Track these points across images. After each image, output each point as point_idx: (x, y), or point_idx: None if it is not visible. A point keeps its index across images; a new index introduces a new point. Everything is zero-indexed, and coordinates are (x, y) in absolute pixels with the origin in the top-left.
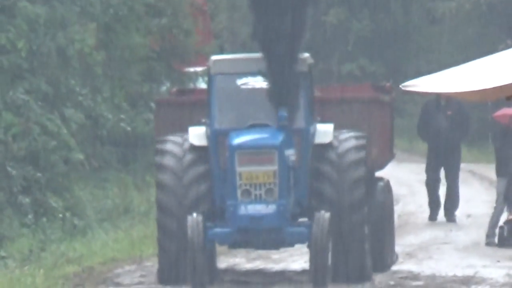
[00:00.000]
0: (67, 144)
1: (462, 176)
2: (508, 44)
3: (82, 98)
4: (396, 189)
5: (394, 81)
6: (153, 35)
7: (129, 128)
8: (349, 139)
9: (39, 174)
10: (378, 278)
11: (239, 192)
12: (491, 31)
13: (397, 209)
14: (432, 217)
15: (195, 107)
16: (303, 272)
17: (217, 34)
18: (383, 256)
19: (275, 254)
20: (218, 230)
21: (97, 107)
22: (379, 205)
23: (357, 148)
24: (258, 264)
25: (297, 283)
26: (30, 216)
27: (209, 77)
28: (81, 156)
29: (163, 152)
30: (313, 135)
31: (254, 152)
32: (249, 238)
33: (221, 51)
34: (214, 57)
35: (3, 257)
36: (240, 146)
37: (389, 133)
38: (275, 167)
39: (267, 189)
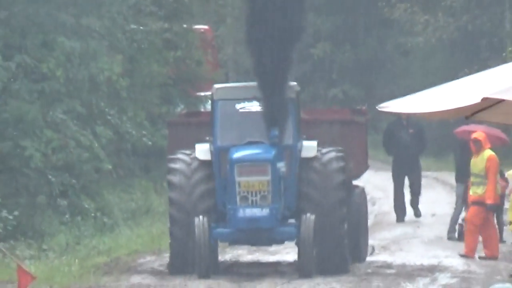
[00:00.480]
0: (98, 156)
1: (428, 182)
2: (466, 72)
3: (110, 117)
4: (373, 193)
5: (371, 103)
6: (169, 65)
7: (150, 142)
8: (330, 152)
9: (74, 181)
10: (357, 267)
11: (238, 198)
12: (452, 62)
13: (374, 209)
14: (399, 218)
15: (200, 127)
16: (293, 263)
17: (223, 64)
18: (359, 250)
19: (271, 247)
20: (220, 230)
21: (123, 124)
22: (356, 207)
23: (337, 158)
24: (257, 256)
25: (287, 274)
26: (67, 216)
27: (212, 102)
28: (109, 166)
29: (176, 158)
30: (300, 150)
31: (250, 164)
32: (246, 237)
33: (227, 79)
34: (217, 85)
35: (44, 250)
36: (239, 160)
37: (364, 148)
38: (268, 177)
39: (262, 195)
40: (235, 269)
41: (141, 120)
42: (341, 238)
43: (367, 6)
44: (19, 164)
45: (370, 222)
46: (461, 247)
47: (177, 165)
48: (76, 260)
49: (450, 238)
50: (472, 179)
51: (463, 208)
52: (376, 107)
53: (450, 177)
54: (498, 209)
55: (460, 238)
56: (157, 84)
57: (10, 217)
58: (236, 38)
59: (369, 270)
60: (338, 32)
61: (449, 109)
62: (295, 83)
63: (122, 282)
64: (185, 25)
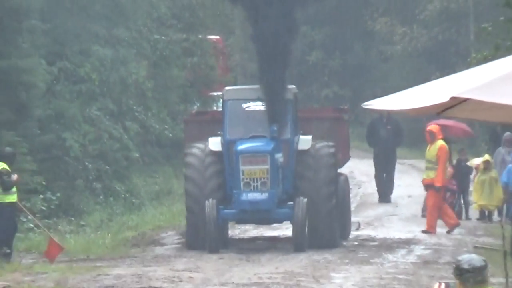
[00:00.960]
0: (127, 146)
1: (404, 168)
2: (437, 75)
3: (137, 114)
4: (359, 178)
5: (357, 102)
6: (187, 69)
7: (170, 135)
8: (322, 145)
9: (107, 167)
10: (346, 241)
11: (242, 184)
12: (425, 66)
13: (360, 191)
14: (381, 199)
15: (208, 123)
16: (289, 239)
17: (233, 69)
18: (345, 227)
19: (273, 224)
20: (227, 211)
21: (148, 120)
22: (341, 192)
23: (328, 150)
24: (261, 231)
25: (285, 248)
26: (101, 197)
27: (223, 102)
28: (136, 155)
29: (190, 153)
30: (297, 143)
31: (252, 155)
32: (249, 217)
33: (235, 81)
34: (227, 88)
35: (82, 226)
36: (243, 151)
37: (347, 141)
38: (267, 166)
39: (262, 182)
40: (242, 244)
41: (163, 116)
42: (331, 221)
43: (353, 19)
44: (61, 153)
45: (356, 202)
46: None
47: (194, 151)
48: (109, 234)
49: (423, 215)
50: (426, 164)
51: None
52: (361, 105)
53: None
54: (464, 191)
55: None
56: (176, 86)
57: (53, 198)
58: (243, 47)
59: (356, 243)
60: (329, 41)
61: (423, 106)
62: (293, 86)
63: (147, 253)
64: (200, 36)
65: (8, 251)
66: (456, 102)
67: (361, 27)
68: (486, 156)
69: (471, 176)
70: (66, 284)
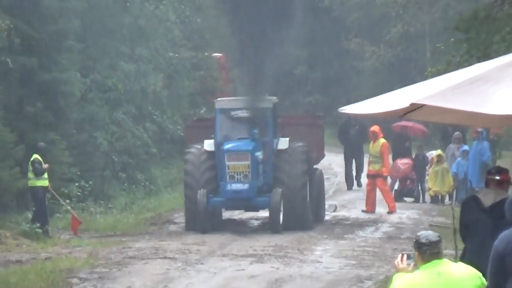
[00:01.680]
0: (147, 143)
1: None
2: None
3: (155, 117)
4: (336, 169)
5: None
6: (196, 81)
7: (182, 134)
8: (298, 145)
9: (130, 160)
10: (322, 223)
11: (227, 177)
12: (390, 79)
13: (336, 179)
14: (349, 187)
15: (206, 128)
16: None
17: (233, 80)
18: (320, 211)
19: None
20: (216, 199)
21: (164, 122)
22: (317, 183)
23: (302, 150)
24: (249, 215)
25: (263, 230)
26: (125, 184)
27: (215, 110)
28: (154, 150)
29: (189, 151)
30: (277, 144)
31: (235, 153)
32: (233, 204)
33: (235, 91)
34: (218, 99)
35: (110, 208)
36: (228, 150)
37: (321, 143)
38: (248, 162)
39: (244, 175)
40: (230, 226)
41: (176, 119)
42: (305, 208)
43: (331, 40)
44: (92, 149)
45: (333, 188)
46: (396, 205)
47: (192, 150)
48: (132, 215)
49: None
50: (370, 158)
51: (397, 179)
52: (338, 110)
53: (390, 158)
54: (421, 179)
55: (396, 199)
56: (187, 94)
57: (86, 185)
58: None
59: (333, 222)
60: (311, 58)
61: (388, 111)
62: (274, 97)
63: (163, 230)
64: (206, 53)
65: (48, 227)
66: (415, 107)
67: (337, 46)
68: (439, 151)
69: (427, 167)
70: (97, 255)
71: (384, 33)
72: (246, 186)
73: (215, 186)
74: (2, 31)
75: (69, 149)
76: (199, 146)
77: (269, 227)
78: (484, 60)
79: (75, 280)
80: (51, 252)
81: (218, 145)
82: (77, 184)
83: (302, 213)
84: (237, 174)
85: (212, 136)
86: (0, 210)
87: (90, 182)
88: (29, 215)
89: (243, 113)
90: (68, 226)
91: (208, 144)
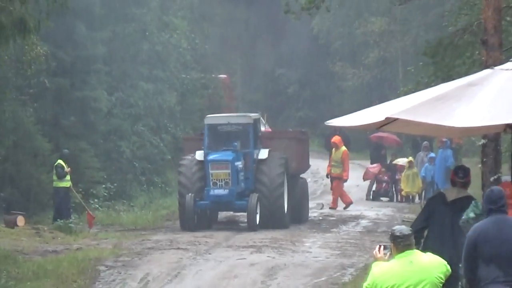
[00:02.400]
0: (163, 151)
1: (353, 166)
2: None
3: (170, 129)
4: (323, 173)
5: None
6: (204, 98)
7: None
8: (276, 156)
9: (149, 166)
10: (312, 217)
11: (211, 183)
12: (368, 96)
13: (323, 182)
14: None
15: (200, 141)
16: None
17: (236, 98)
18: (303, 214)
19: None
20: (201, 202)
21: (177, 133)
22: (301, 189)
23: (279, 160)
24: (235, 215)
25: (244, 228)
26: (144, 186)
27: (205, 125)
28: (169, 157)
29: (182, 164)
30: (257, 154)
31: (217, 162)
32: (216, 207)
33: (238, 107)
34: (207, 116)
35: (132, 206)
36: (211, 160)
37: (306, 155)
38: (229, 171)
39: (225, 181)
40: (216, 225)
41: (188, 130)
42: (281, 208)
43: (319, 63)
44: (117, 156)
45: (321, 189)
46: (374, 204)
47: (184, 162)
48: (150, 212)
49: (367, 199)
50: (333, 163)
51: (374, 182)
52: (325, 123)
53: (367, 163)
54: (395, 181)
55: (374, 199)
56: (197, 109)
57: (112, 186)
58: (243, 83)
59: (320, 218)
60: (302, 79)
61: (367, 123)
62: (256, 114)
63: (176, 225)
64: (213, 75)
65: (70, 222)
66: (389, 121)
67: (324, 68)
68: (410, 158)
69: (399, 172)
70: (120, 246)
71: (363, 58)
72: (226, 191)
73: (201, 192)
74: (40, 56)
75: (97, 156)
76: (190, 157)
77: (248, 226)
78: (447, 81)
79: (102, 268)
80: (81, 243)
81: (206, 155)
82: (104, 186)
83: (278, 211)
84: (219, 181)
85: (202, 147)
86: (39, 208)
87: (115, 184)
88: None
89: (228, 128)
90: (96, 222)
91: (199, 154)
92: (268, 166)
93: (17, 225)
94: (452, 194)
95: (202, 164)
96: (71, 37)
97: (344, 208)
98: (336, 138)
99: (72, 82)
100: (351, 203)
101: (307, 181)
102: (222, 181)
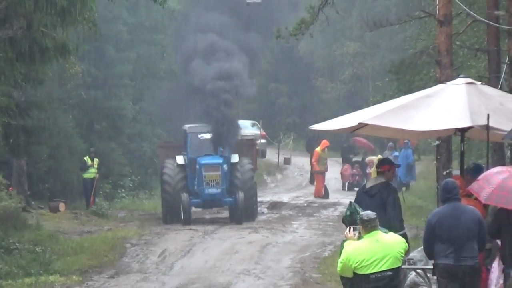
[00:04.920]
0: None
1: (331, 163)
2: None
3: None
4: (306, 168)
5: (306, 125)
6: None
7: None
8: (245, 160)
9: None
10: (299, 204)
11: (204, 183)
12: (345, 106)
13: (307, 176)
14: (311, 182)
15: (172, 148)
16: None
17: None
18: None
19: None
20: (195, 200)
21: None
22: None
23: (248, 163)
24: (214, 211)
25: (228, 222)
26: None
27: (186, 133)
28: None
29: (166, 166)
30: (233, 158)
31: (211, 165)
32: (208, 204)
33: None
34: (188, 125)
35: (152, 195)
36: (205, 164)
37: (255, 158)
38: (219, 173)
39: (216, 182)
40: (202, 220)
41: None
42: (253, 201)
43: (304, 78)
44: (140, 154)
45: (305, 182)
46: (349, 193)
47: (167, 165)
48: None
49: (343, 190)
50: (321, 160)
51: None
52: (309, 127)
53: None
54: (366, 174)
55: (349, 189)
56: None
57: (136, 179)
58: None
59: (305, 205)
60: (290, 91)
61: (342, 128)
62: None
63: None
64: None
65: (94, 206)
66: (361, 125)
67: (308, 83)
68: (379, 156)
69: (369, 167)
70: (143, 227)
71: (340, 74)
72: (219, 190)
73: (187, 191)
74: (78, 73)
75: (124, 154)
76: (172, 161)
77: (235, 219)
78: (408, 93)
79: (128, 245)
80: (111, 225)
81: (189, 160)
82: (129, 178)
83: (251, 207)
84: (211, 182)
85: (183, 153)
86: (78, 197)
87: (138, 177)
88: (96, 200)
89: (207, 135)
90: (124, 207)
91: (180, 159)
92: (240, 168)
93: (59, 210)
94: (371, 182)
95: (182, 167)
96: (103, 57)
97: (315, 197)
98: (325, 142)
99: (103, 94)
100: (323, 196)
101: (294, 174)
102: (213, 182)
